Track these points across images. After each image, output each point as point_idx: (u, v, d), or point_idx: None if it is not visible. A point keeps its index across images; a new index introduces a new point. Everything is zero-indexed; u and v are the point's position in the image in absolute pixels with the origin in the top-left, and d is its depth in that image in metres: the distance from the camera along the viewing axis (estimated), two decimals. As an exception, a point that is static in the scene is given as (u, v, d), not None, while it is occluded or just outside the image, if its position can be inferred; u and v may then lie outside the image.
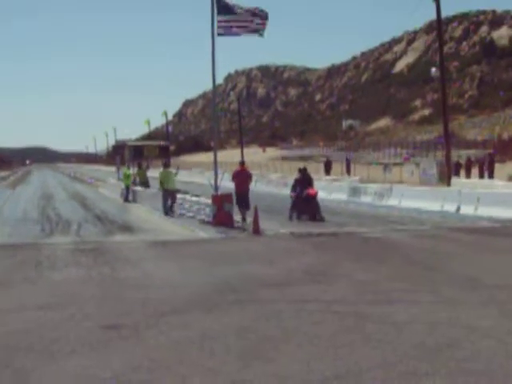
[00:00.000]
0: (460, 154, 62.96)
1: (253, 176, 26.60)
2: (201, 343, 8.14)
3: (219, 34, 23.17)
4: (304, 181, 26.16)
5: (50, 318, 9.58)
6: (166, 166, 29.66)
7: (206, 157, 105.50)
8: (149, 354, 7.78)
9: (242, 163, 26.03)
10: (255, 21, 22.79)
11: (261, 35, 23.03)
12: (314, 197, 25.43)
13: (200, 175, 70.71)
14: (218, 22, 22.92)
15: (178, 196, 28.68)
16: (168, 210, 27.38)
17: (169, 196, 27.72)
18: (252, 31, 23.00)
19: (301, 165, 34.02)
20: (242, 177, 25.03)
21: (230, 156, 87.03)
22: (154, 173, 54.83)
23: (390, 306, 10.08)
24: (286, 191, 28.34)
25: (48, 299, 10.90)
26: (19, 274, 13.56)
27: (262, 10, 22.91)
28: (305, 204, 25.39)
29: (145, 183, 41.10)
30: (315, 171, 61.82)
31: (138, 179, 41.29)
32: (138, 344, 8.15)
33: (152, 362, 7.45)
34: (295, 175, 28.22)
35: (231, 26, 22.86)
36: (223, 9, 22.90)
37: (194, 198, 27.65)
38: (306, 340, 8.21)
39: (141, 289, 11.75)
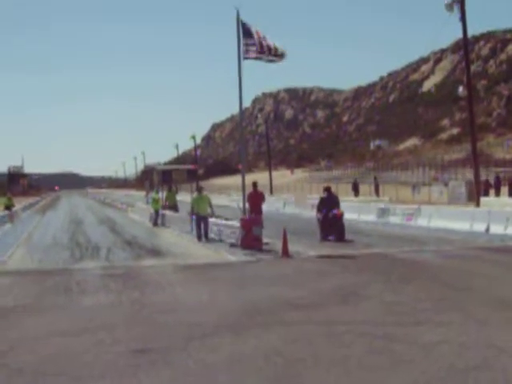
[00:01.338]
0: (489, 173, 62.56)
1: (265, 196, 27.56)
2: (229, 367, 8.17)
3: (245, 58, 23.31)
4: (330, 200, 26.15)
5: (79, 343, 9.65)
6: (200, 190, 29.51)
7: (233, 180, 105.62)
8: (178, 378, 7.83)
9: (255, 185, 26.32)
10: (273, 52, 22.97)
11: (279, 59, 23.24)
12: (340, 218, 25.44)
13: (226, 198, 70.88)
14: (244, 45, 23.07)
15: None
16: (201, 236, 27.10)
17: (201, 221, 27.49)
18: (272, 60, 23.14)
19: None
20: (256, 198, 25.92)
21: (258, 179, 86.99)
22: (182, 196, 55.08)
23: (418, 327, 10.05)
24: (314, 213, 28.27)
25: (78, 324, 10.98)
26: (49, 300, 13.68)
27: (277, 49, 23.11)
28: (331, 225, 25.39)
29: (174, 207, 41.30)
30: (345, 193, 61.80)
31: (167, 202, 41.53)
32: (167, 368, 8.18)
33: (181, 386, 7.50)
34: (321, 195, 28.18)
35: (256, 50, 22.97)
36: (248, 32, 23.05)
37: (223, 222, 27.67)
38: (335, 362, 8.21)
39: (170, 313, 11.80)
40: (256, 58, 23.18)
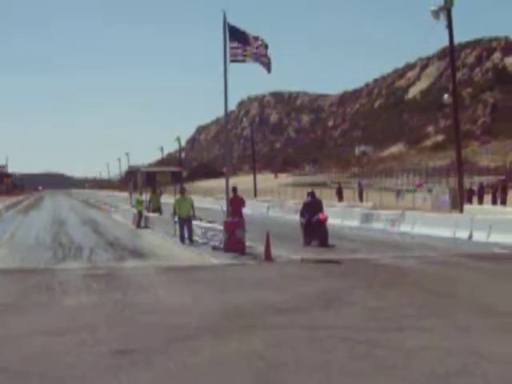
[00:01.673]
0: (473, 181, 62.94)
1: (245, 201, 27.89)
2: (210, 369, 8.14)
3: (232, 61, 23.25)
4: (314, 205, 26.16)
5: (61, 343, 9.60)
6: (182, 192, 29.48)
7: (217, 183, 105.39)
8: (159, 379, 7.79)
9: (235, 190, 26.49)
10: (264, 52, 22.98)
11: (268, 71, 23.27)
12: (323, 222, 25.39)
13: (211, 201, 70.85)
14: (231, 48, 23.05)
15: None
16: (184, 238, 26.98)
17: (184, 223, 27.38)
18: (263, 64, 23.14)
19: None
20: (237, 202, 26.40)
21: (242, 182, 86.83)
22: (166, 199, 55.02)
23: (400, 332, 10.05)
24: (297, 217, 28.26)
25: (59, 324, 10.93)
26: (31, 300, 13.61)
27: (262, 40, 23.13)
28: (314, 230, 25.37)
29: (157, 209, 41.17)
30: (329, 197, 61.86)
31: (151, 204, 41.35)
32: (148, 369, 8.15)
33: (162, 388, 7.46)
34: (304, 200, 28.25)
35: (243, 53, 22.95)
36: (235, 35, 23.01)
37: (206, 224, 27.62)
38: (317, 367, 8.19)
39: (152, 314, 11.77)
40: (243, 61, 23.15)
